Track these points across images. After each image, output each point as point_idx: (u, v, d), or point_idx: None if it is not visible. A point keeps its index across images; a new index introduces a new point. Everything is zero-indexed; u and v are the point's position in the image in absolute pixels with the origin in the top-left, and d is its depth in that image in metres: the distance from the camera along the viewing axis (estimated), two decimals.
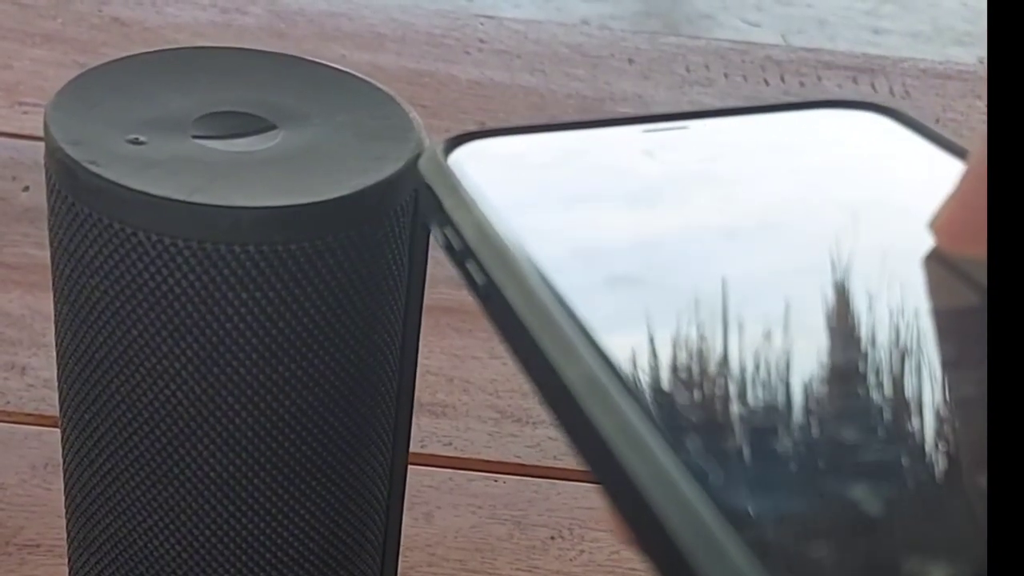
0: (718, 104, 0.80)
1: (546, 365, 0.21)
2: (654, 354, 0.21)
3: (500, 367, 0.60)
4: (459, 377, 0.59)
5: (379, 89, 0.37)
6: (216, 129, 0.35)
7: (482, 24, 0.87)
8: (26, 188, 0.66)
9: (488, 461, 0.55)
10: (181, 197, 0.33)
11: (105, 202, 0.33)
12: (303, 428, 0.36)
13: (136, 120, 0.35)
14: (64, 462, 0.39)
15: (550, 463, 0.55)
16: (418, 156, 0.35)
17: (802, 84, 0.83)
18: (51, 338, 0.59)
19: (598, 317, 0.22)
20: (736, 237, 0.25)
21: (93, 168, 0.33)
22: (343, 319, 0.35)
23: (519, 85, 0.81)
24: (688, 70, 0.83)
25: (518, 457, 0.55)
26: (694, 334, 0.22)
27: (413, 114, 0.36)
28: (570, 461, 0.55)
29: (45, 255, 0.62)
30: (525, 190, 0.26)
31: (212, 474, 0.36)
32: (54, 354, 0.58)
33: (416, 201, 0.35)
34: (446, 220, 0.25)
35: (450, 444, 0.55)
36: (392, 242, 0.35)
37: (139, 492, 0.36)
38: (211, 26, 0.83)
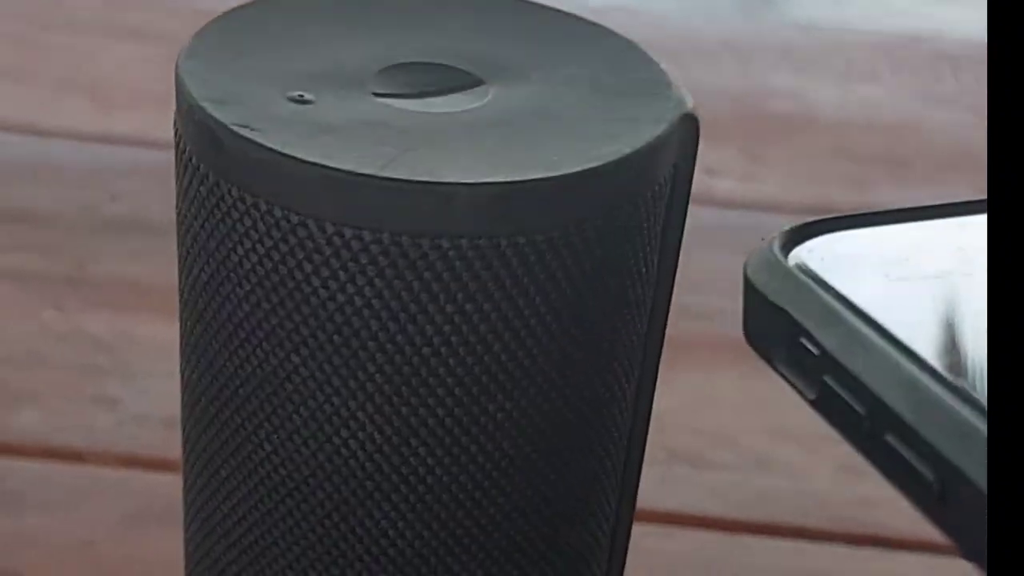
0: (887, 101, 0.74)
1: None
2: None
3: (667, 397, 0.53)
4: None
5: (616, 35, 0.29)
6: (405, 85, 0.27)
7: (614, 15, 0.81)
8: (113, 197, 0.61)
9: (661, 512, 0.48)
10: (369, 171, 0.24)
11: (262, 179, 0.24)
12: (513, 488, 0.27)
13: (299, 73, 0.26)
14: (186, 530, 0.30)
15: (734, 514, 0.48)
16: (683, 117, 0.27)
17: (978, 81, 0.77)
18: (143, 367, 0.54)
19: None
20: None
21: (246, 134, 0.24)
22: (576, 340, 0.26)
23: None
24: (850, 64, 0.77)
25: (694, 507, 0.49)
26: None
27: (664, 65, 0.28)
28: (756, 513, 0.48)
29: (134, 272, 0.57)
30: (916, 315, 0.20)
31: (390, 550, 0.27)
32: (146, 385, 0.52)
33: (674, 180, 0.26)
34: (828, 366, 0.18)
35: None
36: (645, 234, 0.26)
37: (289, 573, 0.28)
38: None
